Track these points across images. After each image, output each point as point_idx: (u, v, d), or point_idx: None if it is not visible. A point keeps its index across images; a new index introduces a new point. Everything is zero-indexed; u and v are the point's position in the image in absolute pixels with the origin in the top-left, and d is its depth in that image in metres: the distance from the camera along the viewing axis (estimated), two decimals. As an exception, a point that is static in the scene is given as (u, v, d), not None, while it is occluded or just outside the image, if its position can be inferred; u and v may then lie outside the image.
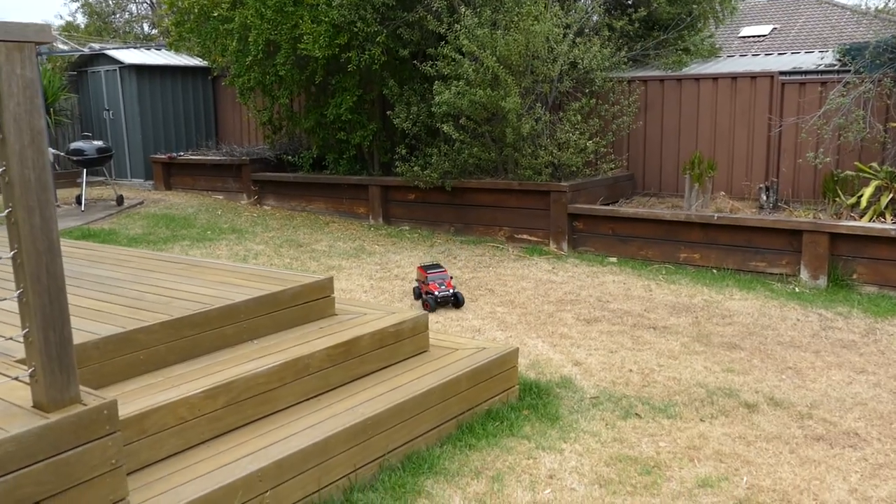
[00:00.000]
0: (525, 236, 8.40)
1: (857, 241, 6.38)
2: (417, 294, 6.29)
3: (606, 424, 4.05)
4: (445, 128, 8.37)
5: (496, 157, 8.63)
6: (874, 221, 6.50)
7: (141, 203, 11.08)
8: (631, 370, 4.80)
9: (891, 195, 6.66)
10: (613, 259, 7.67)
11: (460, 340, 4.49)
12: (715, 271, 7.06)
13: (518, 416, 4.10)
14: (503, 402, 4.19)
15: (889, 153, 7.30)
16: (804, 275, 6.59)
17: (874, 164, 7.11)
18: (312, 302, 4.14)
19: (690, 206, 7.71)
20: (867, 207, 6.68)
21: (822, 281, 6.48)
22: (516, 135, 8.10)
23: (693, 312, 5.94)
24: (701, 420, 4.10)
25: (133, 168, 13.11)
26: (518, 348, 4.36)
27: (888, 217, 6.54)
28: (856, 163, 7.20)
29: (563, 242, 8.04)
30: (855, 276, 6.40)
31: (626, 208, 7.95)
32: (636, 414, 4.18)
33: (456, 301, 6.09)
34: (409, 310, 4.49)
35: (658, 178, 8.99)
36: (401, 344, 4.13)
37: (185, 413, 3.14)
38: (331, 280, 4.25)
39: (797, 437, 3.89)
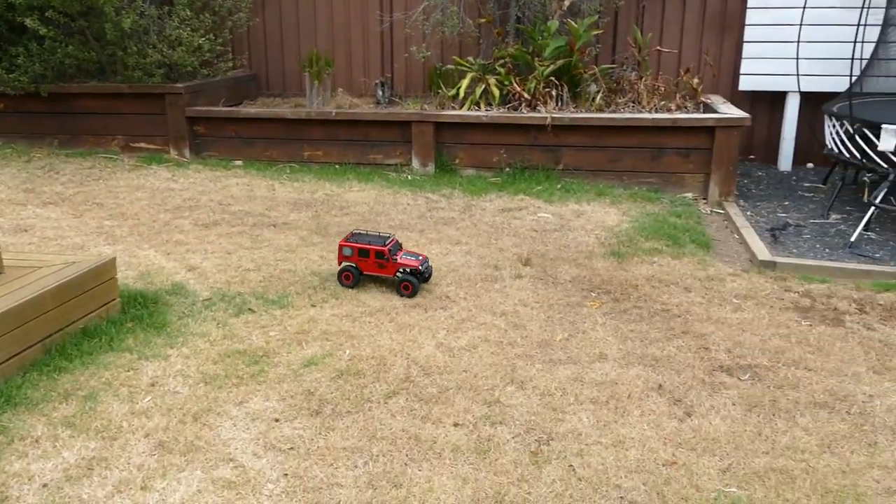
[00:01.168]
0: (142, 144, 7.75)
1: (457, 129, 7.00)
2: (354, 276, 4.44)
3: (218, 324, 3.97)
4: (29, 22, 7.22)
5: (99, 58, 7.72)
6: (471, 110, 7.15)
7: None
8: (248, 269, 4.75)
9: (484, 86, 7.36)
10: (239, 162, 7.46)
11: (45, 258, 3.99)
12: (337, 166, 7.25)
13: (120, 329, 3.81)
14: (102, 318, 3.86)
15: (482, 47, 8.04)
16: (415, 163, 7.08)
17: (470, 58, 7.77)
18: None
19: (312, 104, 7.75)
20: (465, 98, 7.32)
21: (431, 168, 7.04)
22: (117, 31, 7.30)
23: (314, 207, 6.05)
24: (312, 305, 4.23)
25: None
26: (115, 258, 4.01)
27: (482, 106, 7.24)
28: (454, 57, 7.81)
29: (185, 148, 7.59)
30: (457, 161, 7.05)
31: (247, 109, 7.73)
32: (250, 309, 4.16)
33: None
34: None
35: (282, 77, 8.86)
36: (-38, 269, 3.54)
37: None
38: None
39: (398, 308, 4.21)
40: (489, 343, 3.80)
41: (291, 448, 2.92)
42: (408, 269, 4.39)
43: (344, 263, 4.52)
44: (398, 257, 4.42)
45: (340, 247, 4.49)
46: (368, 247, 4.42)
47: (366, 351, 3.70)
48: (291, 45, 8.72)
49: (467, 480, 2.75)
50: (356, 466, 2.82)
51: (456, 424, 3.10)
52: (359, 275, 4.47)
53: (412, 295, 4.35)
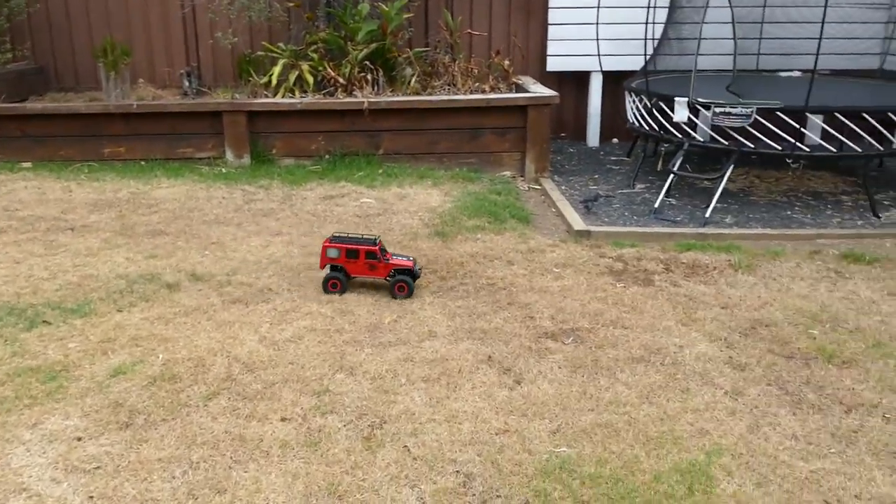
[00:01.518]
0: None
1: (271, 118, 6.72)
2: (342, 284, 4.08)
3: (6, 341, 3.51)
4: None
5: None
6: (285, 97, 6.89)
7: None
8: (41, 277, 4.26)
9: (297, 72, 7.12)
10: (28, 164, 6.71)
11: None
12: (143, 163, 6.72)
13: None
14: None
15: (293, 33, 7.78)
16: (229, 155, 6.72)
17: (281, 44, 7.49)
18: None
19: (110, 98, 7.13)
20: (278, 85, 7.04)
21: (247, 159, 6.71)
22: None
23: (117, 207, 5.56)
24: (119, 311, 3.86)
25: None
26: None
27: (297, 93, 7.00)
28: (264, 42, 7.49)
29: (-40, 151, 6.73)
30: (274, 151, 6.78)
31: (33, 105, 6.98)
32: (44, 321, 3.72)
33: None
34: None
35: (73, 69, 8.09)
36: None
37: None
38: None
39: (216, 305, 3.94)
40: (316, 332, 3.65)
41: (98, 467, 2.62)
42: (399, 271, 4.08)
43: (328, 267, 4.13)
44: (390, 258, 4.10)
45: (324, 248, 4.08)
46: (358, 247, 4.04)
47: (181, 353, 3.42)
48: (82, 33, 7.98)
49: (298, 475, 2.60)
50: (174, 477, 2.58)
51: (283, 419, 2.93)
52: (346, 281, 4.11)
53: (408, 296, 4.05)
